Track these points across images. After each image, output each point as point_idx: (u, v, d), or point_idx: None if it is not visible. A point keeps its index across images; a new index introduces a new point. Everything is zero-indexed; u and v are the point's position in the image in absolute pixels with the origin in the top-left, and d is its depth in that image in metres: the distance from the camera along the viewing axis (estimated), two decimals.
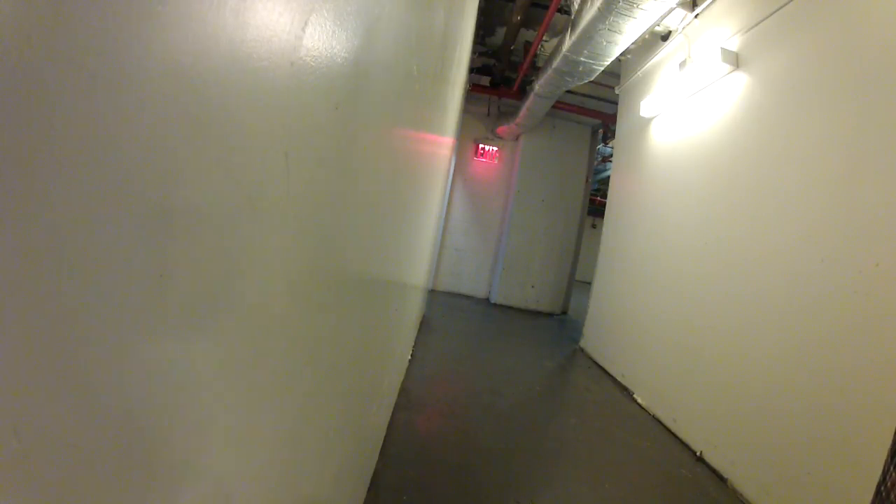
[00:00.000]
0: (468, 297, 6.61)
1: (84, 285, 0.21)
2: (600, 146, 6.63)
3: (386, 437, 1.96)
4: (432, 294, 6.13)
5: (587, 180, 6.54)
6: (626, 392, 3.33)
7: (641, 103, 3.77)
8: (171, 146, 0.26)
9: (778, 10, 2.37)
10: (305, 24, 0.40)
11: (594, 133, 6.51)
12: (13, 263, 0.17)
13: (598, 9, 2.76)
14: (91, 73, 0.19)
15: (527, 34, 4.74)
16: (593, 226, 10.92)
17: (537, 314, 6.28)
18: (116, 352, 0.24)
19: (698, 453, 2.41)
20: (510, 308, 6.31)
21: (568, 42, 3.38)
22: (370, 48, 0.62)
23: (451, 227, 6.64)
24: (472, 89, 5.72)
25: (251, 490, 0.47)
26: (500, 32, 4.98)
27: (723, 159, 2.73)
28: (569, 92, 4.72)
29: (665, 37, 3.60)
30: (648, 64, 3.82)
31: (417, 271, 2.63)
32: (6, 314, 0.17)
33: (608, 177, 5.77)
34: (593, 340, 4.28)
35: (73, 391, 0.21)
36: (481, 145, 6.67)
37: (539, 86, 4.37)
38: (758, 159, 2.41)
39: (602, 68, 3.60)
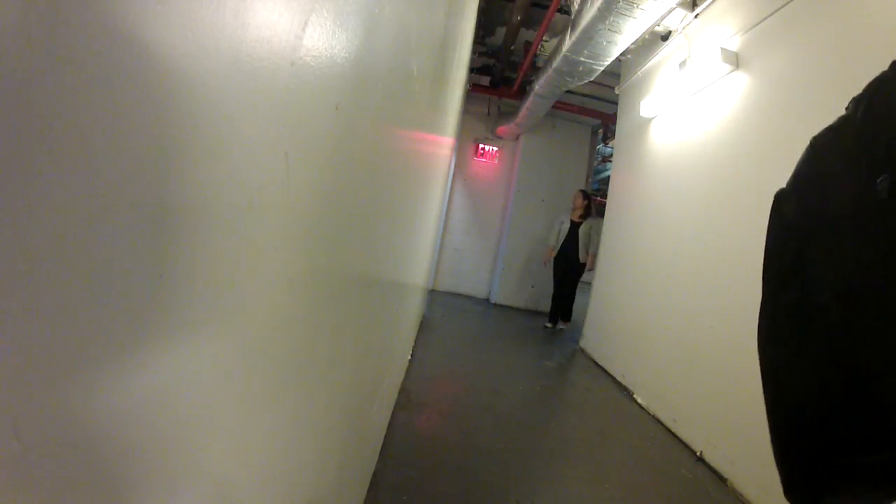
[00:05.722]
0: (468, 297, 6.61)
1: (84, 285, 0.21)
2: (600, 146, 6.64)
3: (386, 437, 1.95)
4: (432, 294, 6.13)
5: (587, 180, 6.54)
6: (626, 392, 3.32)
7: (641, 103, 3.77)
8: (170, 146, 0.26)
9: (778, 10, 2.37)
10: (305, 24, 0.40)
11: (594, 133, 6.51)
12: (13, 263, 0.17)
13: (598, 9, 2.76)
14: (91, 73, 0.19)
15: (527, 34, 4.74)
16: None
17: (537, 314, 6.27)
18: (116, 351, 0.24)
19: (698, 453, 2.40)
20: (510, 308, 6.31)
21: (568, 42, 3.38)
22: (370, 48, 0.62)
23: (451, 227, 6.63)
24: (472, 89, 5.71)
25: (251, 490, 0.47)
26: (500, 32, 4.98)
27: (723, 159, 2.73)
28: (569, 92, 4.71)
29: (665, 37, 3.60)
30: (648, 64, 3.82)
31: (417, 271, 2.63)
32: (6, 314, 0.17)
33: (608, 177, 5.78)
34: (593, 340, 4.28)
35: (73, 391, 0.21)
36: (481, 145, 6.67)
37: (539, 86, 4.37)
38: (758, 159, 2.41)
39: (602, 68, 3.59)
